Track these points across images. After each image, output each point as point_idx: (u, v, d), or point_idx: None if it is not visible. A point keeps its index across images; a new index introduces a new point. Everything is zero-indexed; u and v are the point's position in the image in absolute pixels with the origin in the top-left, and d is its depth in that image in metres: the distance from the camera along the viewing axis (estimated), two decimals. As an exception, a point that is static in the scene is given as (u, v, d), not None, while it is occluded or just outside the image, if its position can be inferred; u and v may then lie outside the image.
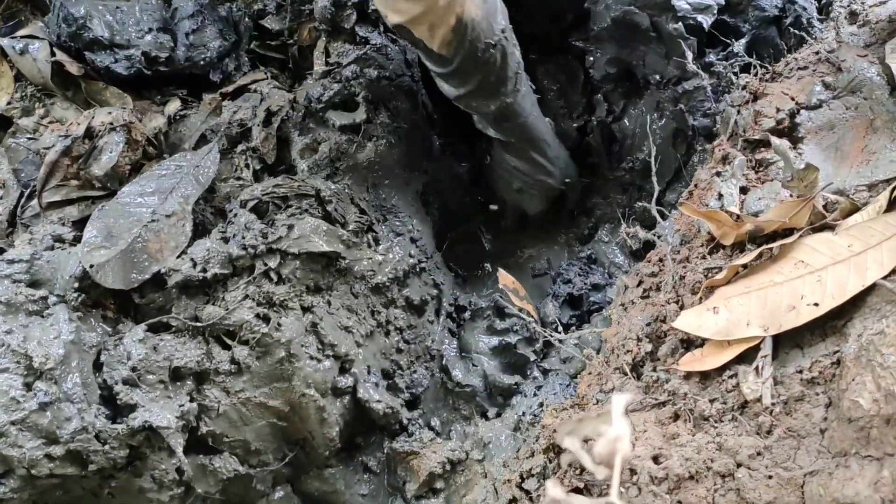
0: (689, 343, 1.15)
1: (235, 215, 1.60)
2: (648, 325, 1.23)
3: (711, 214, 1.22)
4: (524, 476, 1.34)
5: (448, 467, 1.70)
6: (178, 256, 1.52)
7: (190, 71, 1.89)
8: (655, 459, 1.00)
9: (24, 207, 1.62)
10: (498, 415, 1.82)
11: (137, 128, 1.69)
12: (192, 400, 1.45)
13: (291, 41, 2.04)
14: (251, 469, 1.56)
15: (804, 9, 1.74)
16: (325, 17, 1.84)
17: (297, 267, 1.57)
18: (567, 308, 2.00)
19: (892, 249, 1.01)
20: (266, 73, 1.98)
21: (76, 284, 1.43)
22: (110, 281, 1.46)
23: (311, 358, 1.57)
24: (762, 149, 1.34)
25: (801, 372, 1.01)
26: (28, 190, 1.64)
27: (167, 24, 1.87)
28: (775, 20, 1.78)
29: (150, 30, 1.84)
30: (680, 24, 1.74)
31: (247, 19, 2.00)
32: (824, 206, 1.13)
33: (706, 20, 1.76)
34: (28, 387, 1.31)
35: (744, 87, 1.44)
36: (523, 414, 1.76)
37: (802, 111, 1.35)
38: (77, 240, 1.52)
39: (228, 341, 1.51)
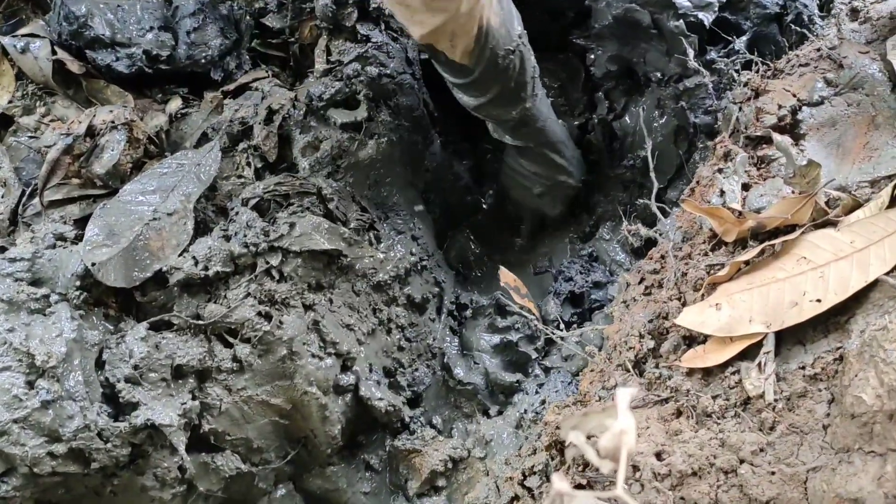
0: (692, 340, 1.15)
1: (237, 213, 1.60)
2: (651, 321, 1.23)
3: (713, 211, 1.22)
4: (526, 474, 1.34)
5: (450, 465, 1.71)
6: (180, 254, 1.52)
7: (191, 69, 1.89)
8: (658, 456, 1.00)
9: (26, 206, 1.62)
10: (500, 413, 1.82)
11: (139, 126, 1.69)
12: (194, 398, 1.45)
13: (293, 39, 2.04)
14: (253, 467, 1.56)
15: (805, 6, 1.74)
16: (327, 15, 1.84)
17: (299, 265, 1.57)
18: (568, 306, 2.00)
19: (894, 245, 1.01)
20: (267, 72, 1.98)
21: (78, 283, 1.43)
22: (112, 279, 1.46)
23: (313, 356, 1.57)
24: (764, 145, 1.34)
25: (803, 368, 1.00)
26: (29, 188, 1.64)
27: (168, 22, 1.87)
28: (776, 17, 1.78)
29: (152, 28, 1.83)
30: (681, 21, 1.74)
31: (248, 17, 2.00)
32: (826, 203, 1.12)
33: (707, 17, 1.76)
34: (30, 385, 1.31)
35: (745, 84, 1.44)
36: (525, 412, 1.76)
37: (804, 108, 1.35)
38: (79, 238, 1.52)
39: (230, 339, 1.51)
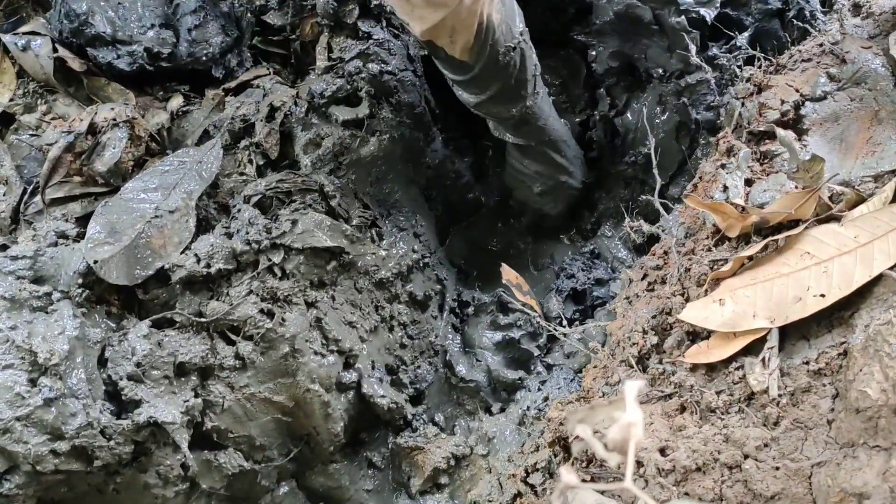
0: (695, 335, 1.15)
1: (239, 210, 1.59)
2: (654, 317, 1.23)
3: (717, 206, 1.22)
4: (529, 471, 1.34)
5: (452, 462, 1.71)
6: (182, 252, 1.52)
7: (192, 67, 1.89)
8: (662, 451, 1.00)
9: (28, 204, 1.62)
10: (502, 410, 1.82)
11: (140, 124, 1.68)
12: (196, 395, 1.45)
13: (294, 36, 2.04)
14: (256, 464, 1.56)
15: (807, 1, 1.74)
16: (328, 12, 1.83)
17: (301, 262, 1.57)
18: (570, 303, 2.00)
19: (898, 240, 1.01)
20: (268, 69, 1.98)
21: (80, 280, 1.43)
22: (114, 277, 1.46)
23: (316, 353, 1.57)
24: (767, 141, 1.34)
25: (807, 363, 1.00)
26: (31, 186, 1.64)
27: (169, 19, 1.87)
28: (778, 13, 1.78)
29: (153, 25, 1.83)
30: (683, 17, 1.74)
31: (249, 15, 1.99)
32: (830, 198, 1.12)
33: (709, 13, 1.76)
34: (33, 382, 1.31)
35: (748, 80, 1.44)
36: (527, 409, 1.76)
37: (807, 103, 1.35)
38: (80, 236, 1.52)
39: (233, 337, 1.51)
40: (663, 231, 1.43)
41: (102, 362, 1.40)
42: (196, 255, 1.51)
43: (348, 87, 1.79)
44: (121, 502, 1.42)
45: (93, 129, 1.65)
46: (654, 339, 1.20)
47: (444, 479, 1.72)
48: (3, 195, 1.63)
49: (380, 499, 1.73)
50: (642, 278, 1.39)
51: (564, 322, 1.80)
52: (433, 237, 1.99)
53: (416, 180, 1.95)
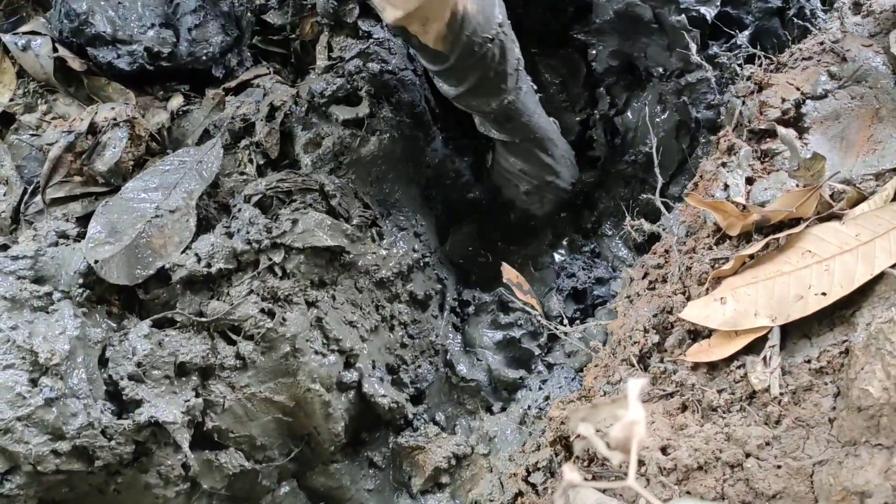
0: (697, 334, 1.15)
1: (239, 210, 1.59)
2: (655, 316, 1.23)
3: (717, 205, 1.21)
4: (530, 470, 1.34)
5: (453, 462, 1.71)
6: (183, 252, 1.52)
7: (192, 66, 1.89)
8: (664, 450, 1.00)
9: (28, 204, 1.62)
10: (503, 409, 1.82)
11: (140, 123, 1.68)
12: (197, 395, 1.45)
13: (294, 36, 2.04)
14: (257, 464, 1.56)
15: (808, 0, 1.74)
16: (328, 11, 1.83)
17: (302, 261, 1.57)
18: (571, 302, 2.00)
19: (900, 238, 1.01)
20: (269, 68, 1.98)
21: (81, 280, 1.43)
22: (115, 276, 1.46)
23: (316, 353, 1.57)
24: (767, 139, 1.34)
25: (809, 362, 1.00)
26: (31, 186, 1.64)
27: (169, 19, 1.87)
28: (778, 11, 1.78)
29: (153, 25, 1.83)
30: (683, 15, 1.74)
31: (249, 14, 1.99)
32: (831, 196, 1.12)
33: (709, 12, 1.76)
34: (34, 382, 1.31)
35: (749, 78, 1.44)
36: (528, 408, 1.76)
37: (808, 101, 1.35)
38: (81, 236, 1.52)
39: (233, 336, 1.51)
40: (664, 230, 1.43)
41: (103, 362, 1.40)
42: (196, 254, 1.51)
43: (348, 86, 1.79)
44: (122, 502, 1.42)
45: (93, 129, 1.65)
46: (656, 338, 1.20)
47: (445, 479, 1.71)
48: (4, 195, 1.62)
49: (381, 498, 1.73)
50: (643, 277, 1.39)
51: (565, 321, 1.80)
52: (433, 236, 1.99)
53: (416, 180, 1.95)
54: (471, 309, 1.99)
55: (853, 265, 1.02)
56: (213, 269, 1.51)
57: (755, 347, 1.05)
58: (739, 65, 1.62)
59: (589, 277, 2.02)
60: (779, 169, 1.27)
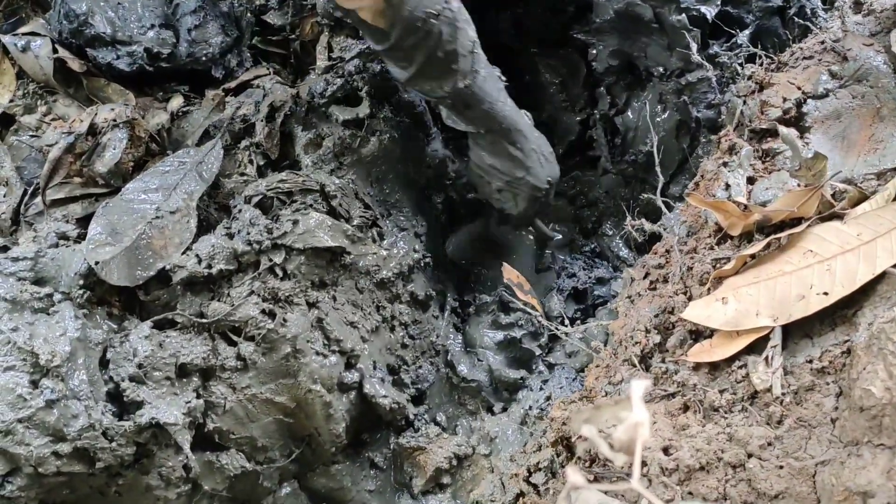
0: (698, 334, 1.15)
1: (240, 211, 1.59)
2: (656, 316, 1.23)
3: (719, 205, 1.21)
4: (531, 470, 1.34)
5: (454, 462, 1.70)
6: (183, 253, 1.52)
7: (192, 67, 1.89)
8: (666, 451, 1.00)
9: (28, 205, 1.62)
10: (504, 409, 1.82)
11: (140, 124, 1.68)
12: (198, 396, 1.45)
13: (293, 36, 2.04)
14: (258, 466, 1.56)
15: (808, -1, 1.74)
16: (328, 11, 1.83)
17: (303, 262, 1.57)
18: (572, 302, 2.00)
19: (901, 238, 1.01)
20: (268, 69, 1.98)
21: (81, 281, 1.43)
22: (115, 278, 1.46)
23: (317, 353, 1.57)
24: (769, 139, 1.33)
25: (811, 361, 1.00)
26: (31, 188, 1.64)
27: (169, 20, 1.87)
28: (779, 10, 1.78)
29: (153, 26, 1.83)
30: (683, 15, 1.74)
31: (248, 15, 1.99)
32: (832, 195, 1.12)
33: (710, 11, 1.76)
34: (34, 384, 1.30)
35: (749, 78, 1.43)
36: (529, 408, 1.76)
37: (809, 100, 1.35)
38: (81, 237, 1.52)
39: (234, 337, 1.51)
40: (665, 229, 1.43)
41: (104, 363, 1.40)
42: (197, 255, 1.51)
43: (348, 86, 1.78)
44: (123, 504, 1.42)
45: (93, 130, 1.65)
46: (657, 338, 1.20)
47: (446, 479, 1.71)
48: (4, 196, 1.62)
49: (382, 499, 1.73)
50: (644, 277, 1.39)
51: (566, 321, 1.80)
52: (434, 236, 1.99)
53: (416, 180, 1.95)
54: (471, 309, 1.99)
55: (855, 265, 1.02)
56: (214, 270, 1.51)
57: (757, 347, 1.05)
58: (740, 64, 1.62)
59: (590, 277, 2.02)
60: (780, 168, 1.27)
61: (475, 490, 1.67)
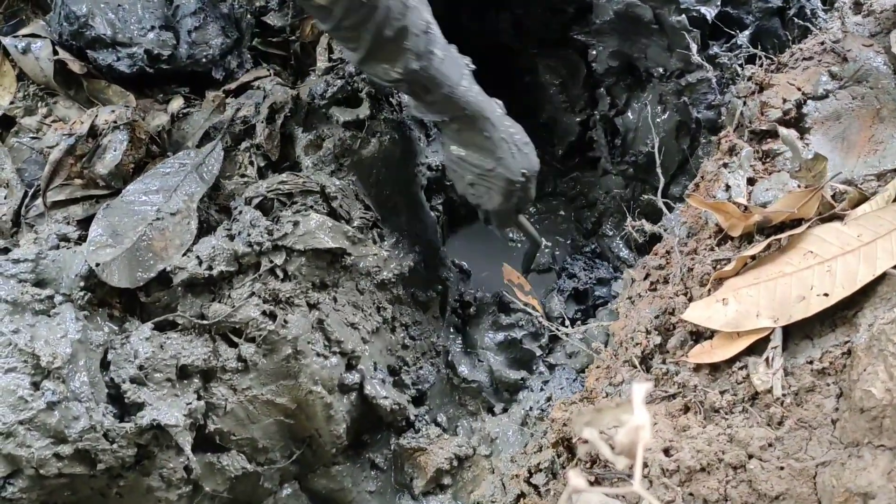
0: (699, 335, 1.15)
1: (240, 212, 1.59)
2: (657, 317, 1.23)
3: (719, 206, 1.21)
4: (532, 471, 1.34)
5: (455, 463, 1.71)
6: (184, 254, 1.52)
7: (192, 68, 1.88)
8: (666, 452, 1.00)
9: (29, 207, 1.62)
10: (504, 410, 1.82)
11: (141, 126, 1.68)
12: (199, 398, 1.45)
13: (294, 37, 2.03)
14: (258, 467, 1.56)
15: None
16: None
17: (303, 264, 1.57)
18: (572, 302, 2.00)
19: (901, 239, 1.01)
20: (269, 70, 1.98)
21: (82, 283, 1.43)
22: (116, 279, 1.45)
23: (318, 355, 1.57)
24: (769, 139, 1.34)
25: (811, 362, 1.00)
26: (32, 189, 1.63)
27: (169, 21, 1.87)
28: (779, 11, 1.78)
29: (153, 27, 1.83)
30: (683, 16, 1.74)
31: (249, 16, 1.99)
32: (832, 196, 1.12)
33: (709, 12, 1.76)
34: (36, 386, 1.30)
35: (749, 79, 1.44)
36: (530, 409, 1.76)
37: (809, 101, 1.35)
38: (82, 239, 1.52)
39: (235, 339, 1.51)
40: (665, 230, 1.43)
41: (105, 365, 1.40)
42: (198, 257, 1.51)
43: (349, 87, 1.78)
44: (124, 505, 1.42)
45: (93, 132, 1.65)
46: (658, 339, 1.20)
47: (446, 480, 1.72)
48: (5, 198, 1.62)
49: (382, 500, 1.73)
50: (644, 278, 1.39)
51: (566, 322, 1.80)
52: (434, 237, 1.99)
53: (416, 181, 1.95)
54: (472, 310, 1.99)
55: (855, 266, 1.02)
56: (215, 272, 1.51)
57: (757, 348, 1.05)
58: (740, 65, 1.62)
59: (590, 278, 2.03)
60: (780, 169, 1.27)
61: (476, 491, 1.67)
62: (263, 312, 1.51)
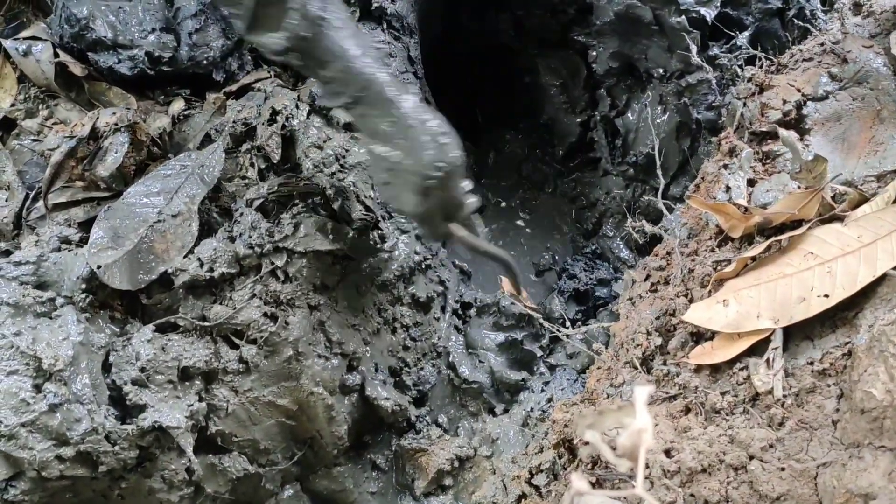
0: (699, 336, 1.15)
1: (241, 214, 1.59)
2: (658, 318, 1.23)
3: (719, 207, 1.22)
4: (533, 472, 1.34)
5: (456, 464, 1.71)
6: (185, 256, 1.52)
7: (193, 70, 1.88)
8: (667, 453, 1.00)
9: (30, 209, 1.62)
10: (505, 411, 1.82)
11: (142, 128, 1.68)
12: (200, 400, 1.45)
13: (294, 39, 2.03)
14: (260, 468, 1.56)
15: (807, 0, 1.74)
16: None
17: (304, 265, 1.57)
18: (573, 303, 2.00)
19: (902, 240, 1.01)
20: (269, 72, 1.98)
21: (83, 285, 1.43)
22: (118, 282, 1.46)
23: (319, 356, 1.57)
24: (769, 141, 1.34)
25: (812, 363, 1.01)
26: (33, 192, 1.63)
27: (170, 23, 1.86)
28: (778, 12, 1.78)
29: (153, 30, 1.83)
30: (683, 17, 1.74)
31: (249, 18, 1.99)
32: (833, 198, 1.12)
33: (709, 13, 1.76)
34: (37, 388, 1.31)
35: (749, 80, 1.44)
36: (531, 410, 1.76)
37: (809, 102, 1.35)
38: (83, 241, 1.52)
39: (236, 340, 1.51)
40: (666, 231, 1.43)
41: (107, 367, 1.40)
42: (199, 259, 1.51)
43: (349, 89, 1.78)
44: (125, 507, 1.42)
45: (95, 134, 1.65)
46: (658, 340, 1.20)
47: (448, 481, 1.72)
48: (6, 201, 1.62)
49: (384, 501, 1.73)
50: (645, 279, 1.39)
51: (567, 323, 1.80)
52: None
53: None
54: (473, 311, 1.99)
55: (855, 267, 1.02)
56: (216, 274, 1.51)
57: (758, 349, 1.06)
58: (740, 66, 1.62)
59: (590, 279, 2.03)
60: (780, 171, 1.28)
61: (477, 492, 1.67)
62: (265, 314, 1.51)
